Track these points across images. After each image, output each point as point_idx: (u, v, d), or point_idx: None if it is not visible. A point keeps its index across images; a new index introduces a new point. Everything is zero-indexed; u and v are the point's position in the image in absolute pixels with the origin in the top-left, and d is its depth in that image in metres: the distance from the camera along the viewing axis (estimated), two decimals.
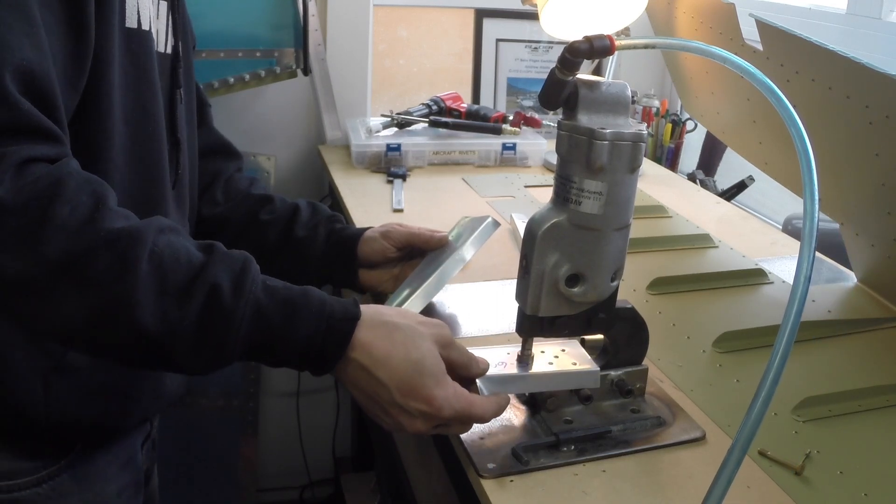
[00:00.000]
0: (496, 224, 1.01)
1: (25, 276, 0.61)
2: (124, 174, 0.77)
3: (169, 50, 0.86)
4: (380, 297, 1.04)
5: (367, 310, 0.72)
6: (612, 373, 0.82)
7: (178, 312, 0.65)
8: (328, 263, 1.02)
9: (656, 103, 1.91)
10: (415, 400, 0.69)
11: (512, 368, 0.78)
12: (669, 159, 1.88)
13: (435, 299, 0.98)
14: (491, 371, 0.76)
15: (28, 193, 0.61)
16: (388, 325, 0.71)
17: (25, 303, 0.63)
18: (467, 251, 0.97)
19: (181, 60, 0.88)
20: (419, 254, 1.03)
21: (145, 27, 0.78)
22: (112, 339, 0.65)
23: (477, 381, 0.75)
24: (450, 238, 1.02)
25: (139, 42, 0.78)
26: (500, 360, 0.79)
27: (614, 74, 1.76)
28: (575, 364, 0.79)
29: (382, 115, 1.78)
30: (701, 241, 1.33)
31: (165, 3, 0.85)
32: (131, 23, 0.76)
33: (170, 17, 0.86)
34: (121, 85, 0.75)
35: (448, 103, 1.81)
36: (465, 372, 0.74)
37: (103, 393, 0.79)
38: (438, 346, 0.72)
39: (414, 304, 0.94)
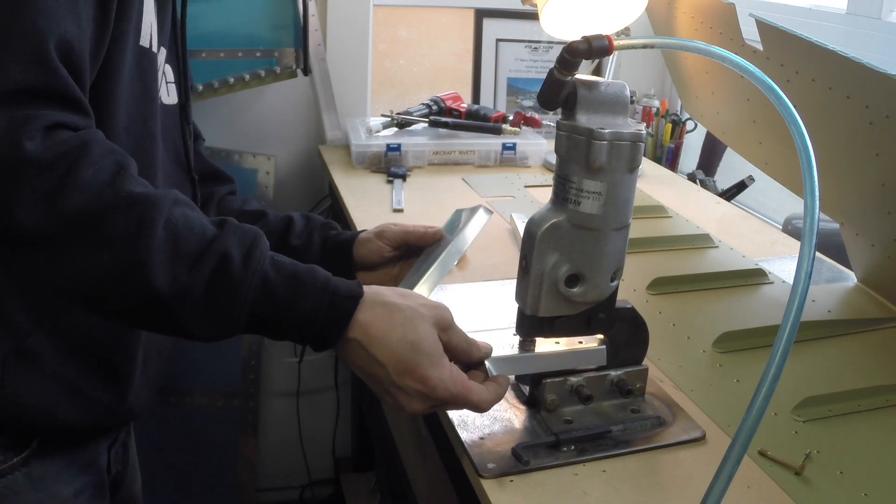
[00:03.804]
0: (489, 211, 1.02)
1: (42, 229, 0.63)
2: None
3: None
4: None
5: (370, 290, 0.74)
6: (612, 373, 0.82)
7: (188, 277, 0.67)
8: (325, 269, 1.02)
9: (656, 103, 1.90)
10: (411, 379, 0.70)
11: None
12: (669, 159, 1.88)
13: (433, 298, 0.98)
14: (497, 353, 0.77)
15: (56, 151, 0.63)
16: (387, 305, 0.72)
17: (39, 256, 0.65)
18: (463, 241, 0.97)
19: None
20: (416, 252, 1.03)
21: (154, 49, 0.82)
22: (123, 298, 0.67)
23: (485, 361, 0.75)
24: (444, 231, 1.03)
25: (148, 61, 0.81)
26: (507, 342, 0.79)
27: (614, 74, 1.76)
28: (581, 343, 0.80)
29: (382, 115, 1.78)
30: (701, 241, 1.33)
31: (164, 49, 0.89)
32: (144, 42, 0.80)
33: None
34: (127, 96, 0.78)
35: (448, 103, 1.81)
36: (465, 357, 0.75)
37: (60, 384, 0.79)
38: (438, 328, 0.72)
39: None
